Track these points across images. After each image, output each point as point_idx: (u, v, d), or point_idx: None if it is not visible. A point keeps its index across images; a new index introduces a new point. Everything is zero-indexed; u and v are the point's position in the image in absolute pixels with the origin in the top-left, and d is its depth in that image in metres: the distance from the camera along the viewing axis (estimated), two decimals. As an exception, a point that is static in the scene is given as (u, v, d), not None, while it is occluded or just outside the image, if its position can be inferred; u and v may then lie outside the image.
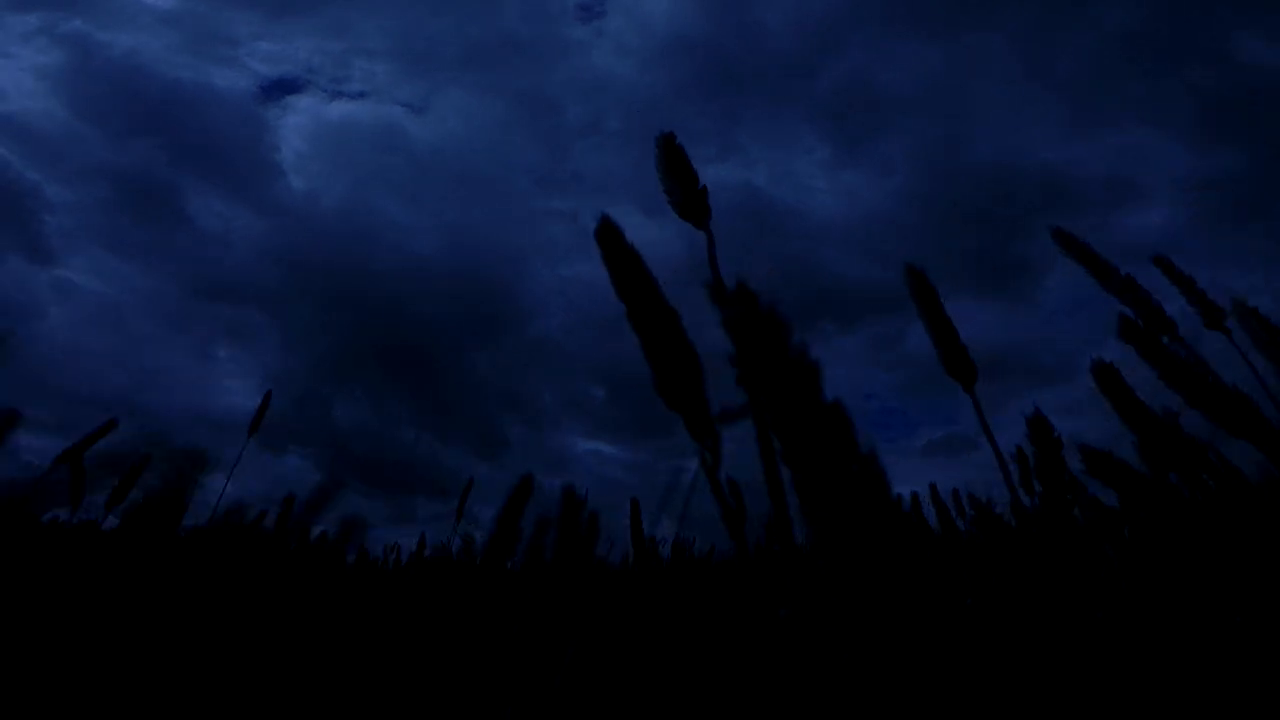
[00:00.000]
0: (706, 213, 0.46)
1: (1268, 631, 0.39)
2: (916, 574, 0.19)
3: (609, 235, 0.34)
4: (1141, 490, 0.53)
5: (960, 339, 0.53)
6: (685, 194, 0.47)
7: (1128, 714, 0.38)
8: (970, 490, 1.43)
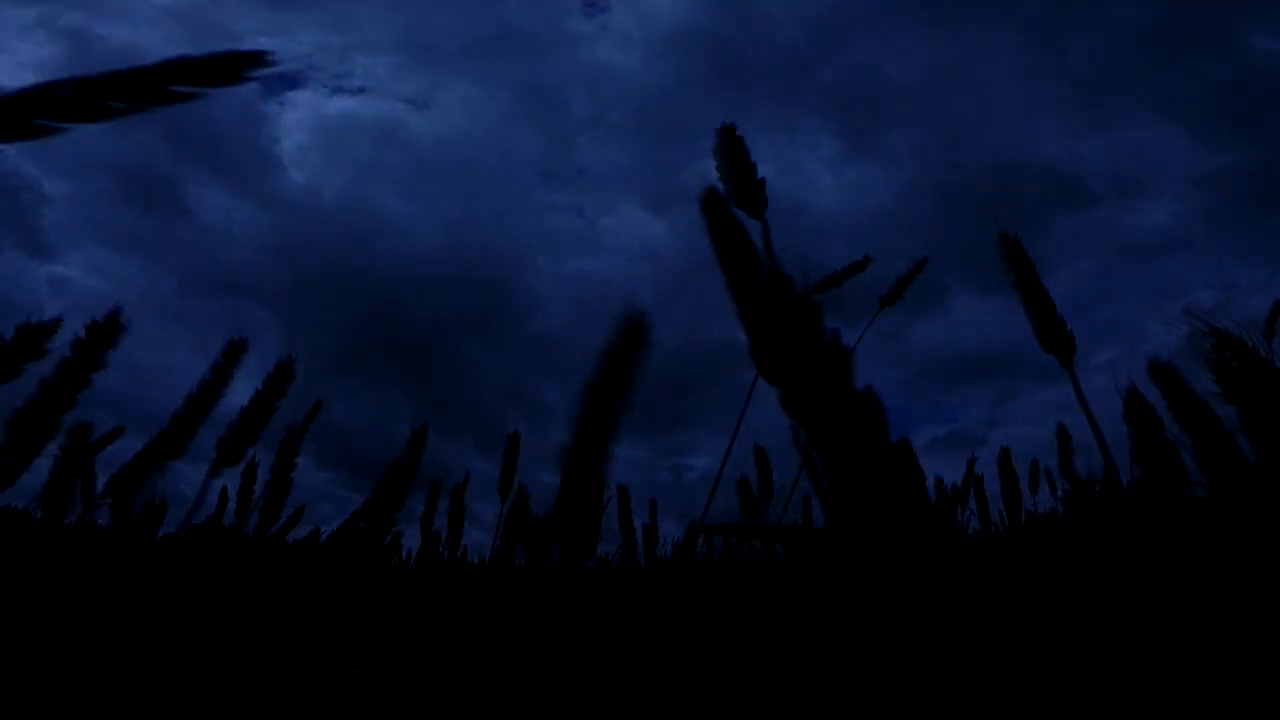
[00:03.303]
0: (764, 203, 0.46)
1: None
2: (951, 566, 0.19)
3: (714, 205, 0.32)
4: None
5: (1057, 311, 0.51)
6: (743, 185, 0.47)
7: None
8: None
